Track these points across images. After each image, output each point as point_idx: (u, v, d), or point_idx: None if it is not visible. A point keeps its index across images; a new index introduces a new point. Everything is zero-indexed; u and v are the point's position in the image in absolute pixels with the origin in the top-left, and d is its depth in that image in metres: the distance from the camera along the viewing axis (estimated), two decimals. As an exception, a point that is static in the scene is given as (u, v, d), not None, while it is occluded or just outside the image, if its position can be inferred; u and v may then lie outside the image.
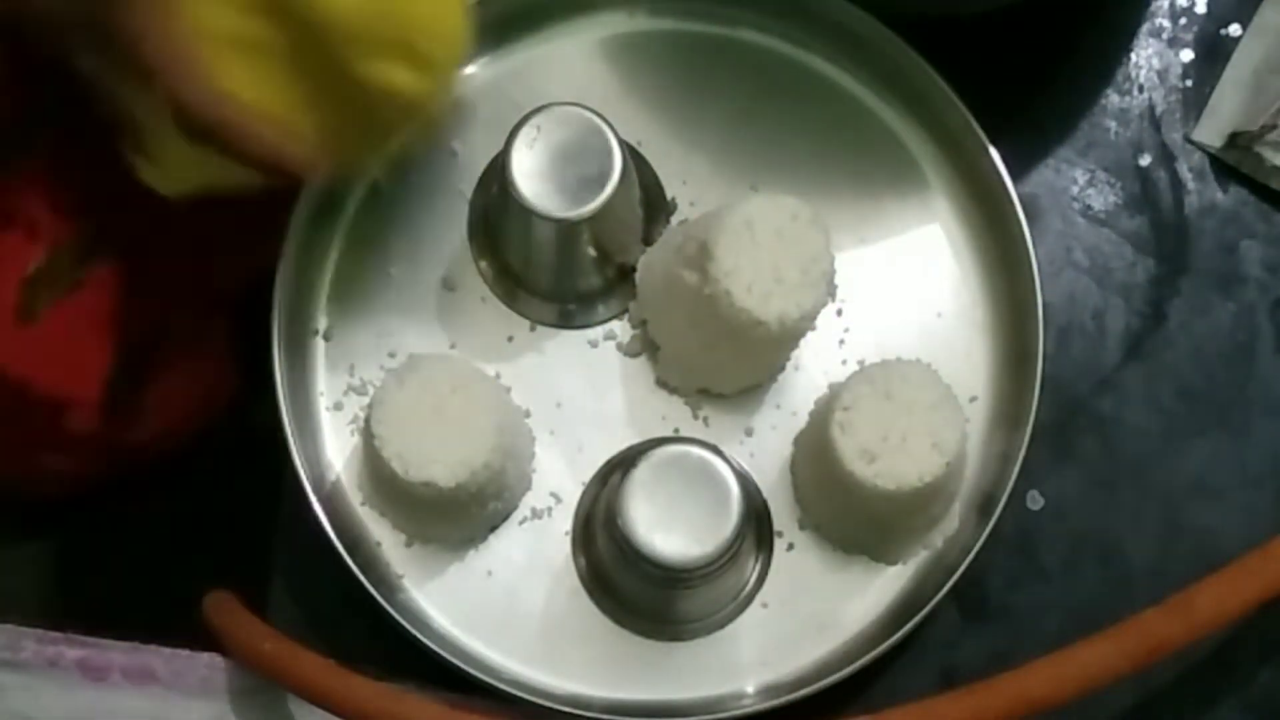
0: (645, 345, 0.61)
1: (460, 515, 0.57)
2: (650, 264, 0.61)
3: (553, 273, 0.60)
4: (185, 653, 0.57)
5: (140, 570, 0.60)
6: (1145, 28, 0.67)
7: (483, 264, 0.61)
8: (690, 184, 0.63)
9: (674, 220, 0.62)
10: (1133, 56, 0.67)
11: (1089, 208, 0.65)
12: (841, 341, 0.62)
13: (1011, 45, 0.65)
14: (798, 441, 0.60)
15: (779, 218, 0.56)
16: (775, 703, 0.56)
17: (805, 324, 0.56)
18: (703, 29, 0.64)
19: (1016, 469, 0.58)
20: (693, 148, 0.63)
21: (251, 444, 0.60)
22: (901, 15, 0.61)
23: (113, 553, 0.62)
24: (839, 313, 0.62)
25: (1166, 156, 0.66)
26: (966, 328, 0.62)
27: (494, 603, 0.59)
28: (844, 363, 0.61)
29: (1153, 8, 0.67)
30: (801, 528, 0.60)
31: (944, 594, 0.57)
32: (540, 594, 0.59)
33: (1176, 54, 0.67)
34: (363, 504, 0.59)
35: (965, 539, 0.59)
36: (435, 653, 0.56)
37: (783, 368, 0.61)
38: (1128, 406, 0.64)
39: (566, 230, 0.57)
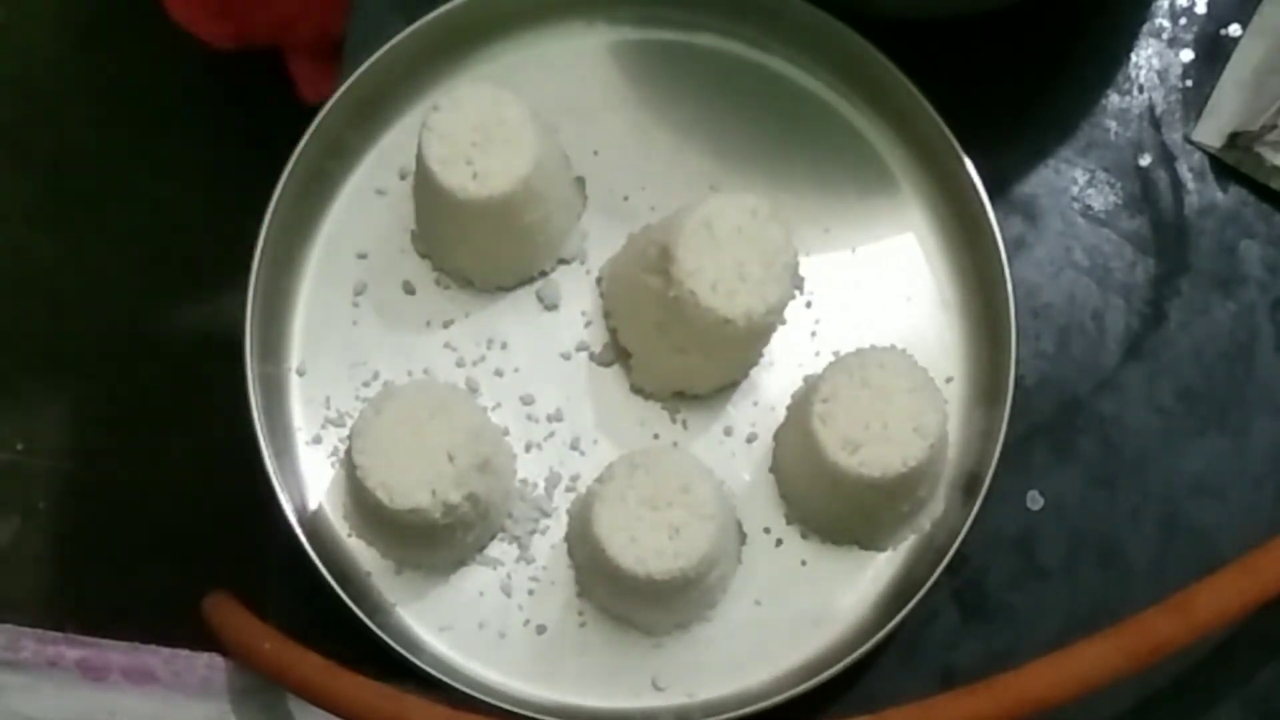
0: (617, 353, 0.61)
1: (448, 539, 0.57)
2: (614, 272, 0.61)
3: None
4: (185, 653, 0.57)
5: (140, 570, 0.60)
6: (1145, 28, 0.67)
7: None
8: (649, 189, 0.63)
9: (636, 226, 0.62)
10: (1133, 56, 0.67)
11: (1089, 208, 0.65)
12: (813, 333, 0.62)
13: (1011, 45, 0.65)
14: (778, 437, 0.60)
15: (738, 215, 0.56)
16: (778, 699, 0.56)
17: (773, 318, 0.56)
18: (662, 36, 0.64)
19: (999, 447, 0.58)
20: (651, 152, 0.63)
21: (250, 445, 0.60)
22: (902, 16, 0.61)
23: (113, 553, 0.62)
24: (808, 305, 0.62)
25: (1166, 156, 0.66)
26: (936, 309, 0.62)
27: (489, 623, 0.59)
28: (817, 354, 0.61)
29: (1153, 8, 0.67)
30: (788, 522, 0.60)
31: (938, 575, 0.57)
32: (534, 610, 0.59)
33: (1176, 54, 0.67)
34: (350, 535, 0.59)
35: (952, 520, 0.59)
36: (435, 678, 0.56)
37: (756, 364, 0.61)
38: (1128, 406, 0.64)
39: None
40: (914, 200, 0.63)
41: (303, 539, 0.57)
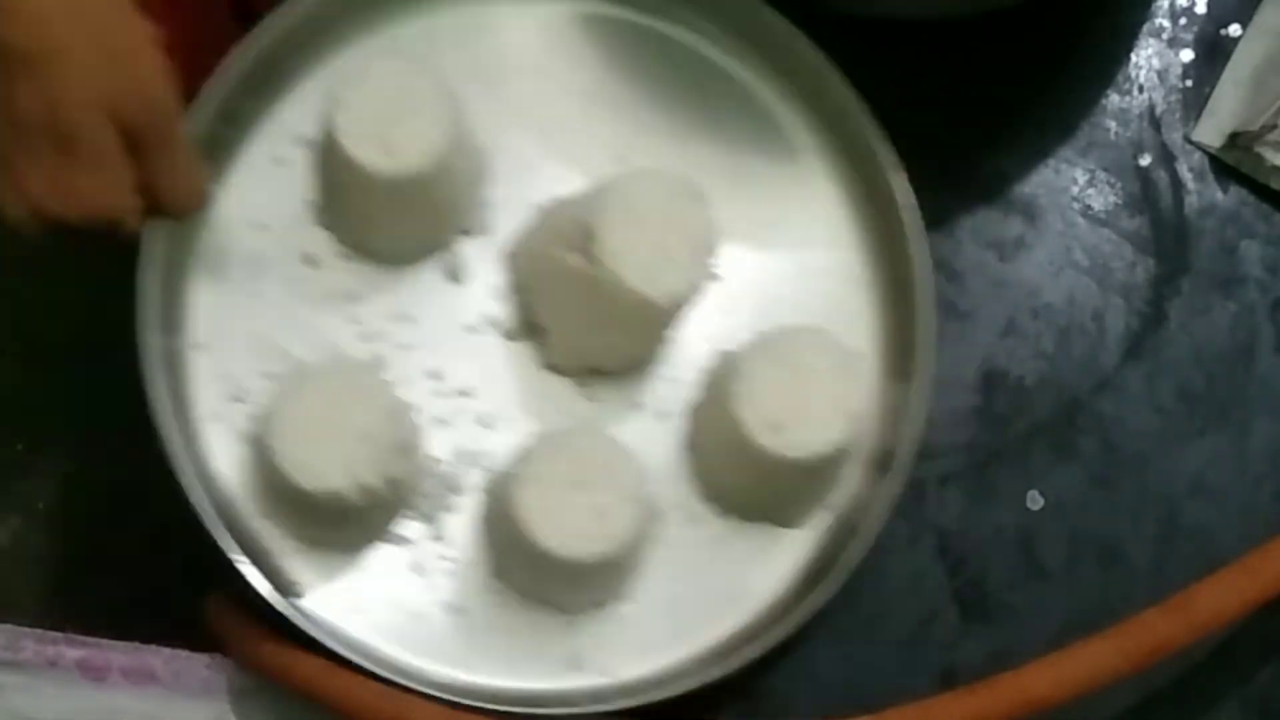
0: (529, 329, 0.60)
1: (360, 519, 0.56)
2: (529, 248, 0.59)
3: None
4: (185, 653, 0.57)
5: (140, 570, 0.59)
6: (1145, 28, 0.67)
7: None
8: (555, 159, 0.61)
9: (542, 197, 0.60)
10: (1133, 56, 0.67)
11: (1089, 208, 0.65)
12: (724, 308, 0.60)
13: (1012, 45, 0.65)
14: (695, 415, 0.59)
15: (660, 194, 0.55)
16: (709, 677, 0.55)
17: (693, 295, 0.56)
18: (570, 7, 0.63)
19: (915, 423, 0.57)
20: (557, 122, 0.61)
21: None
22: (905, 17, 0.61)
23: (113, 553, 0.62)
24: (719, 279, 0.59)
25: (1166, 156, 0.66)
26: (845, 283, 0.61)
27: (404, 603, 0.57)
28: (729, 329, 0.60)
29: (1153, 8, 0.67)
30: (702, 500, 0.59)
31: (858, 561, 0.56)
32: (449, 590, 0.57)
33: (1176, 54, 0.67)
34: (259, 515, 0.57)
35: (864, 496, 0.58)
36: (354, 661, 0.54)
37: (668, 340, 0.60)
38: (1128, 406, 0.64)
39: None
40: (824, 173, 0.62)
41: (208, 517, 0.55)
